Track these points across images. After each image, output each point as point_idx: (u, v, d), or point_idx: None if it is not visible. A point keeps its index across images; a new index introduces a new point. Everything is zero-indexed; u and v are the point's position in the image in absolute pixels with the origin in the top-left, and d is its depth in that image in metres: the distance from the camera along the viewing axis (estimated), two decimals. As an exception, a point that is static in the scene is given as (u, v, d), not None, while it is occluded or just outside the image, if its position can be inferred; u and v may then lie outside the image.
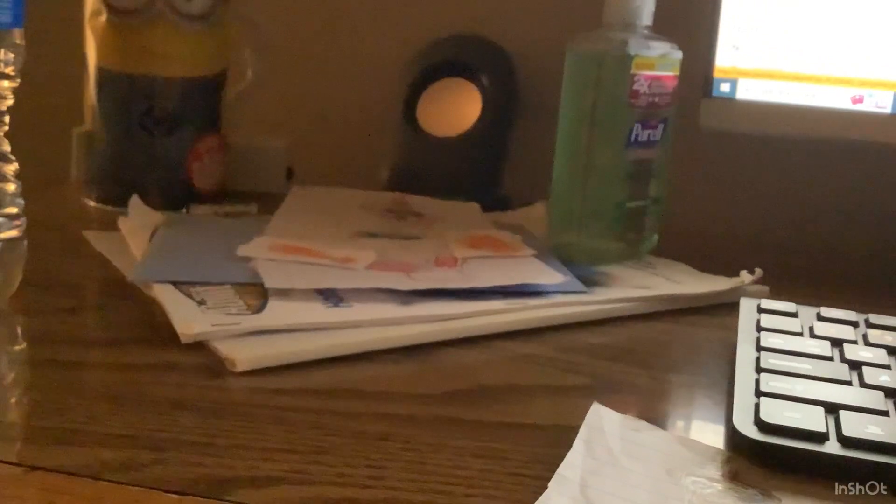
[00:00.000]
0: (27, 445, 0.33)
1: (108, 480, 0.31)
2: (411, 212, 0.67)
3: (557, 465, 0.33)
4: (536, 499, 0.31)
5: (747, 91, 0.61)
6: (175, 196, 0.65)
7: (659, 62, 0.57)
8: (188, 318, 0.44)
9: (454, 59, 0.76)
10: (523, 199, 0.71)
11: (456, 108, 0.76)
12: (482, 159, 0.75)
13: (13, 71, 0.44)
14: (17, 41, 0.44)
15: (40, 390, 0.38)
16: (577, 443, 0.34)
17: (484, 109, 0.75)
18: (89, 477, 0.31)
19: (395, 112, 0.76)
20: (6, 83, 0.44)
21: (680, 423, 0.40)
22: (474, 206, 0.69)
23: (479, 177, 0.74)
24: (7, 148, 0.45)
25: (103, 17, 0.64)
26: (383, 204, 0.68)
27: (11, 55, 0.43)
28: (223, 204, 0.67)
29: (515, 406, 0.40)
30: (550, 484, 0.31)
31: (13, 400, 0.38)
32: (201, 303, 0.46)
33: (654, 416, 0.39)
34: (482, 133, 0.74)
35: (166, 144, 0.66)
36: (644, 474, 0.32)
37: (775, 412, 0.36)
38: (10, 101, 0.44)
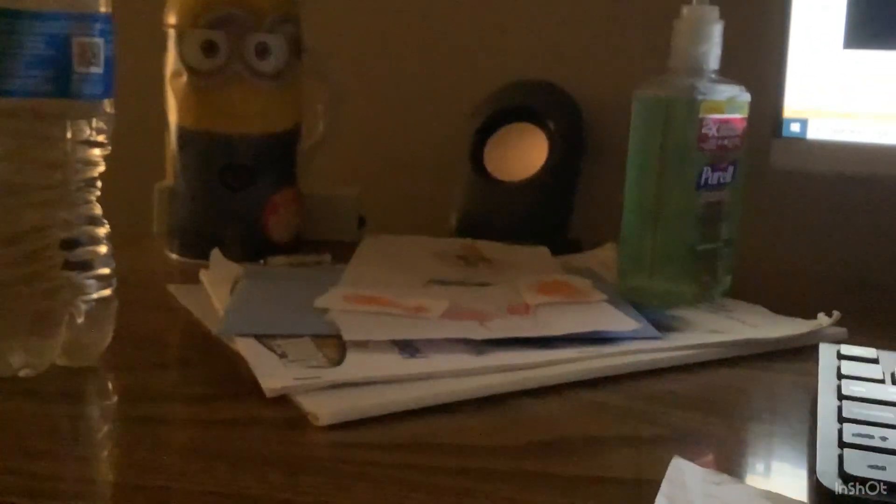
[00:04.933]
0: None
1: (204, 539, 0.32)
2: (481, 258, 0.68)
3: (640, 521, 0.33)
4: (621, 557, 0.31)
5: (818, 131, 0.61)
6: (253, 248, 0.67)
7: (727, 105, 0.57)
8: (271, 372, 0.45)
9: (520, 105, 0.77)
10: (592, 241, 0.71)
11: (523, 153, 0.77)
12: (550, 203, 0.75)
13: (105, 139, 0.46)
14: (108, 110, 0.46)
15: (133, 447, 0.39)
16: (660, 499, 0.34)
17: (551, 154, 0.76)
18: (185, 536, 0.32)
19: (463, 158, 0.77)
20: (98, 151, 0.46)
21: (762, 476, 0.40)
22: (544, 251, 0.70)
23: (548, 220, 0.75)
24: (99, 212, 0.47)
25: (183, 78, 0.67)
26: (453, 251, 0.69)
27: (103, 124, 0.46)
28: (298, 254, 0.69)
29: (594, 459, 0.40)
30: (634, 542, 0.31)
31: (107, 457, 0.39)
32: (282, 356, 0.48)
33: (735, 467, 0.39)
34: (549, 177, 0.75)
35: (244, 198, 0.68)
36: (728, 531, 0.32)
37: (860, 464, 0.35)
38: (101, 168, 0.47)
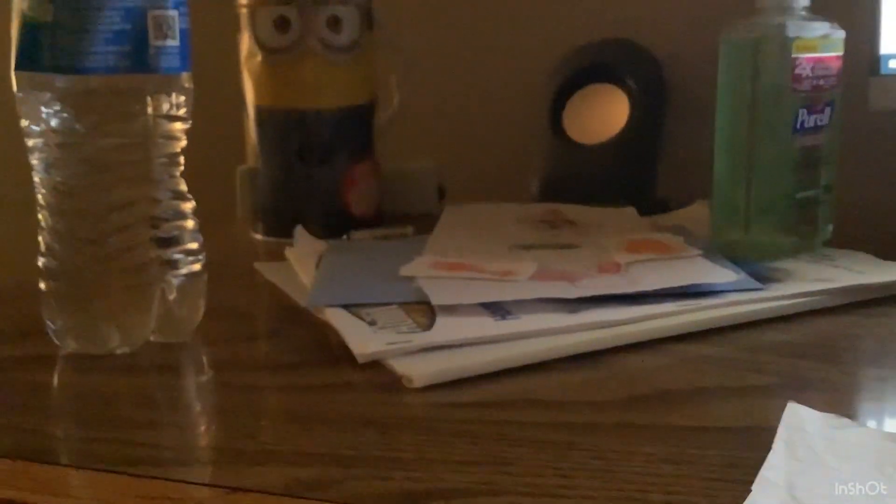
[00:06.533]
0: (225, 468, 0.34)
1: (305, 498, 0.31)
2: (566, 221, 0.66)
3: (755, 469, 0.31)
4: (740, 503, 0.29)
5: (920, 65, 0.57)
6: (334, 223, 0.67)
7: (821, 43, 0.55)
8: (362, 338, 0.45)
9: (597, 64, 0.75)
10: (681, 200, 0.69)
11: (603, 114, 0.75)
12: (634, 163, 0.73)
13: (185, 113, 0.46)
14: (186, 84, 0.46)
15: (230, 414, 0.39)
16: (777, 444, 0.32)
17: (632, 113, 0.73)
18: (287, 495, 0.31)
19: (542, 122, 0.76)
20: (178, 125, 0.46)
21: (878, 420, 0.38)
22: (631, 211, 0.68)
23: (632, 181, 0.73)
24: (184, 187, 0.47)
25: (258, 58, 0.67)
26: (536, 215, 0.68)
27: (182, 98, 0.46)
28: (380, 228, 0.68)
29: (701, 409, 0.38)
30: (754, 487, 0.30)
31: (207, 425, 0.40)
32: (372, 323, 0.47)
33: (852, 412, 0.37)
34: (632, 137, 0.73)
35: (323, 174, 0.68)
36: (854, 473, 0.30)
37: None
38: (183, 143, 0.47)
